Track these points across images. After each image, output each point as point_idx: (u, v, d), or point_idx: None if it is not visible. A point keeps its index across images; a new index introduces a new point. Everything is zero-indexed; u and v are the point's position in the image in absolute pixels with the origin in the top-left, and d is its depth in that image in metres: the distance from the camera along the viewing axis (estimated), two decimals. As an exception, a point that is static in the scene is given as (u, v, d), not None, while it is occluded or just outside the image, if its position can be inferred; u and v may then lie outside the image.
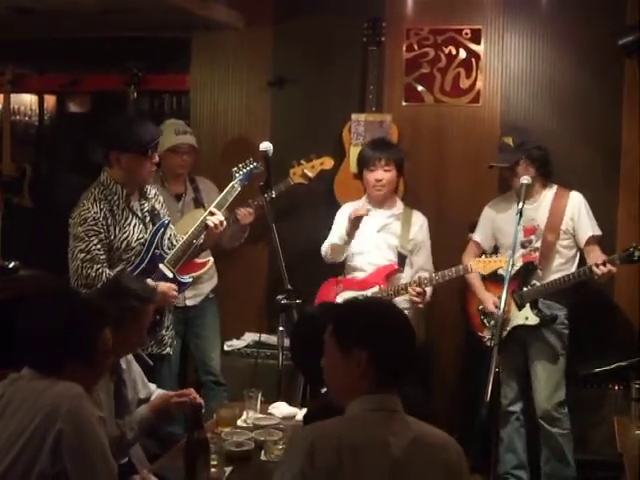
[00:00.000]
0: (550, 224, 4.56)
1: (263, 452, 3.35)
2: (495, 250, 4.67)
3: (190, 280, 4.40)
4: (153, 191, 4.40)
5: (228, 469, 3.18)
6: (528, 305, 4.49)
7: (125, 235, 4.15)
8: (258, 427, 3.64)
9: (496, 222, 4.75)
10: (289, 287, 3.92)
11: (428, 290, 4.70)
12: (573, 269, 4.53)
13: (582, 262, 4.59)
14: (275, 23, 5.66)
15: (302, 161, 5.01)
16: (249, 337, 5.54)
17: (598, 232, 4.58)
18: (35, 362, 2.75)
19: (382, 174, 4.74)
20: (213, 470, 3.08)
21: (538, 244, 4.58)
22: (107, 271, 4.05)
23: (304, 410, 3.57)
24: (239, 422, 3.70)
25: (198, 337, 5.14)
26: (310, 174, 5.00)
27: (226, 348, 5.47)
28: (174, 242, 4.35)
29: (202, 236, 4.36)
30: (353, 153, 5.32)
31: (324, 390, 3.09)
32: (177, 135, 4.99)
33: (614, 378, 4.68)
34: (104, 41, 5.92)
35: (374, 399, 2.40)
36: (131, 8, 5.04)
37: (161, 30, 5.75)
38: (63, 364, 2.70)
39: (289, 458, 2.36)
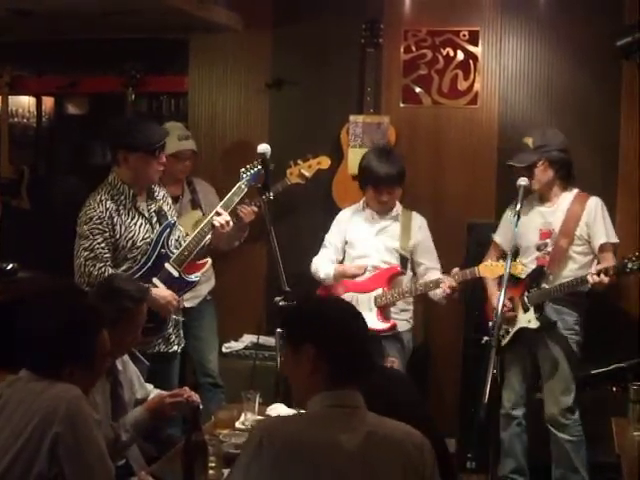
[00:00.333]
0: (564, 228, 4.49)
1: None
2: (516, 252, 4.61)
3: (196, 279, 4.42)
4: (162, 193, 4.44)
5: (226, 471, 3.17)
6: (532, 308, 4.48)
7: (131, 234, 4.18)
8: (256, 429, 3.63)
9: (513, 224, 4.69)
10: (287, 289, 3.92)
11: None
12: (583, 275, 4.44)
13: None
14: (273, 25, 5.67)
15: (299, 161, 5.00)
16: (247, 339, 5.54)
17: (614, 239, 4.48)
18: (33, 364, 2.74)
19: (387, 196, 4.73)
20: (211, 472, 3.07)
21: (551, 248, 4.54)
22: (110, 270, 4.08)
23: (302, 412, 3.56)
24: (237, 424, 3.69)
25: (196, 339, 5.13)
26: (307, 174, 5.00)
27: (224, 350, 5.47)
28: (182, 243, 4.38)
29: (208, 236, 4.38)
30: (351, 154, 5.32)
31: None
32: (180, 141, 5.00)
33: (612, 380, 4.68)
34: (102, 43, 5.92)
35: (332, 395, 2.41)
36: (130, 10, 5.04)
37: (160, 32, 5.76)
38: (61, 366, 2.70)
39: (241, 453, 2.40)
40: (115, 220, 4.14)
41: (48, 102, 6.83)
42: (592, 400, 4.60)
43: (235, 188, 4.49)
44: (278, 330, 3.91)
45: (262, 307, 5.37)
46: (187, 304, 4.98)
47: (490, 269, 4.50)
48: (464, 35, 5.38)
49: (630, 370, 4.55)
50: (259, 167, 4.50)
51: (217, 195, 5.27)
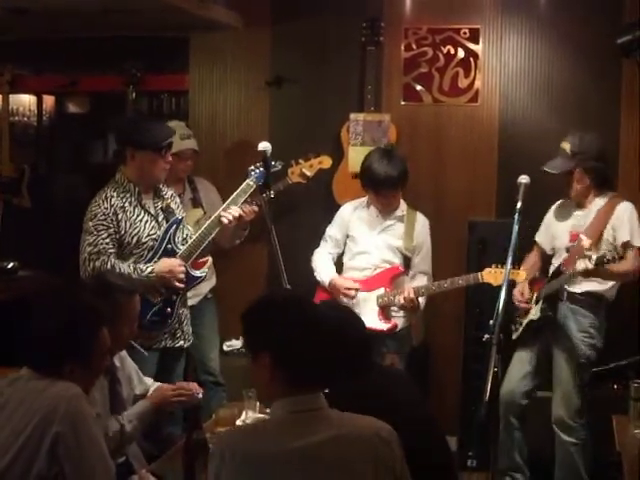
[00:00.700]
0: (589, 229, 4.43)
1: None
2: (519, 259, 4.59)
3: (203, 275, 4.42)
4: (170, 192, 4.46)
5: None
6: (541, 302, 4.49)
7: (136, 231, 4.20)
8: (257, 427, 3.63)
9: (552, 226, 4.69)
10: (288, 287, 3.92)
11: (421, 299, 4.71)
12: (609, 284, 4.45)
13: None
14: (273, 23, 5.67)
15: (300, 160, 5.00)
16: (248, 337, 5.53)
17: (638, 243, 4.40)
18: (34, 362, 2.75)
19: (387, 199, 4.72)
20: (212, 470, 3.08)
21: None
22: (113, 260, 4.11)
23: (264, 419, 3.55)
24: (238, 422, 3.69)
25: (197, 337, 5.12)
26: (308, 173, 5.00)
27: (225, 348, 5.47)
28: (188, 240, 4.38)
29: (215, 232, 4.38)
30: (352, 153, 5.32)
31: (326, 391, 3.10)
32: (182, 140, 5.00)
33: (613, 377, 4.67)
34: (103, 41, 5.92)
35: (292, 401, 2.39)
36: (130, 8, 5.04)
37: (160, 30, 5.75)
38: (62, 365, 2.70)
39: (209, 465, 2.39)
40: (120, 217, 4.16)
41: (49, 101, 6.83)
42: (593, 398, 4.59)
43: (243, 185, 4.46)
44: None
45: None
46: (188, 302, 4.98)
47: (493, 275, 4.49)
48: (465, 33, 5.38)
49: (631, 368, 4.54)
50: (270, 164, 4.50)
51: (218, 193, 5.28)
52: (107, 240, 4.12)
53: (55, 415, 2.56)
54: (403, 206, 4.82)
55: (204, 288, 5.12)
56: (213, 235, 4.38)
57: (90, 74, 6.10)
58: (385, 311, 4.72)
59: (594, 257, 4.06)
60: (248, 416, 3.72)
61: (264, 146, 4.16)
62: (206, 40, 5.79)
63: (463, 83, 5.41)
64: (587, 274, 4.17)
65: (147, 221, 4.25)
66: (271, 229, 3.98)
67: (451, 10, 5.40)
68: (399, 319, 4.77)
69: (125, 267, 4.12)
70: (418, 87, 5.47)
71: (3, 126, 6.23)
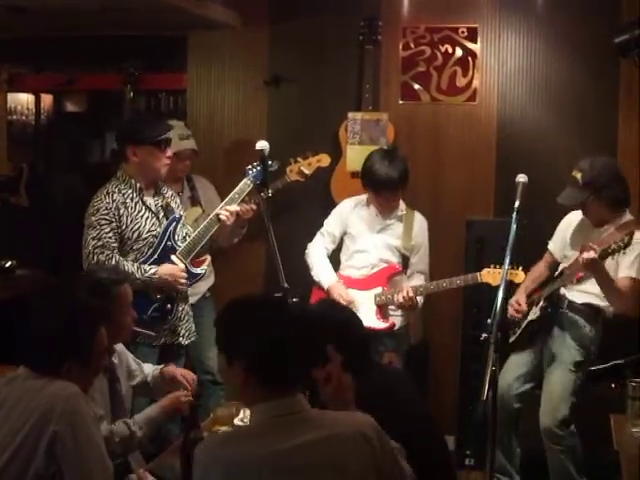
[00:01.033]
0: (597, 243, 4.26)
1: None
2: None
3: (202, 272, 4.48)
4: (170, 192, 4.51)
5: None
6: (542, 301, 4.49)
7: (137, 226, 4.24)
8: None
9: (566, 235, 4.66)
10: (285, 285, 3.92)
11: (419, 298, 4.72)
12: (606, 302, 4.36)
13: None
14: (271, 22, 5.66)
15: (299, 158, 5.00)
16: (246, 336, 5.53)
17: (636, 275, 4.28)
18: (32, 361, 2.74)
19: (387, 200, 4.72)
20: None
21: None
22: (117, 257, 4.16)
23: (245, 425, 3.54)
24: (236, 421, 3.69)
25: (197, 336, 5.14)
26: (306, 171, 4.99)
27: (223, 347, 5.45)
28: (187, 239, 4.42)
29: (213, 229, 4.41)
30: (350, 152, 5.32)
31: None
32: (181, 140, 5.01)
33: (610, 376, 4.68)
34: (101, 40, 5.92)
35: (270, 406, 2.38)
36: (128, 7, 5.04)
37: (158, 29, 5.75)
38: (60, 364, 2.70)
39: (194, 472, 2.38)
40: (121, 212, 4.21)
41: (46, 99, 6.84)
42: (591, 397, 4.59)
43: (241, 184, 4.50)
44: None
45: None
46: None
47: (492, 275, 4.50)
48: (463, 32, 5.38)
49: (628, 367, 4.55)
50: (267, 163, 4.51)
51: (216, 192, 5.28)
52: (110, 234, 4.17)
53: (53, 414, 2.56)
54: (402, 206, 4.82)
55: (202, 287, 5.13)
56: (212, 233, 4.41)
57: (88, 73, 6.10)
58: (383, 310, 4.73)
59: (599, 249, 4.02)
60: (246, 415, 3.72)
61: (262, 145, 4.16)
62: (204, 39, 5.78)
63: (461, 82, 5.41)
64: (588, 267, 4.11)
65: (148, 217, 4.29)
66: (269, 227, 3.98)
67: (449, 9, 5.40)
68: (397, 318, 4.77)
69: (129, 266, 4.16)
70: (416, 86, 5.47)
71: (1, 125, 6.24)
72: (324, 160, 5.06)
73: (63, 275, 4.54)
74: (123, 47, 5.90)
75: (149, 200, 4.33)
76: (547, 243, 4.71)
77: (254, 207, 4.84)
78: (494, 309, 3.54)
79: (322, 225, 4.93)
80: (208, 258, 4.74)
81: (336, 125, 5.44)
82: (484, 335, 3.89)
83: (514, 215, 3.88)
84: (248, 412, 3.69)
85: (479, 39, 5.36)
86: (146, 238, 4.27)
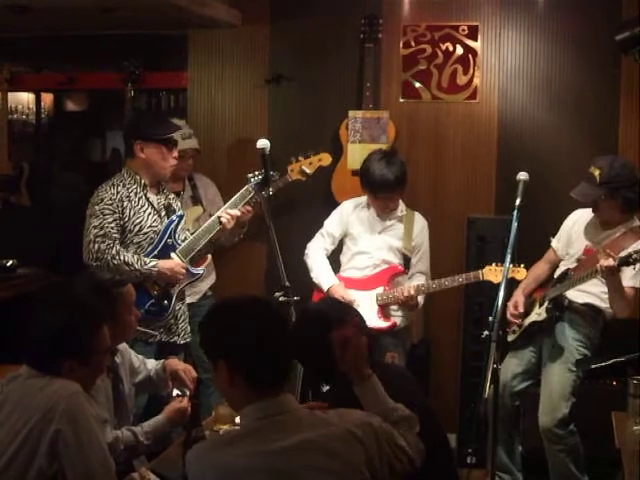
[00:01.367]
0: (606, 247, 4.26)
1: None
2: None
3: (202, 272, 4.50)
4: (172, 194, 4.55)
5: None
6: (546, 303, 4.48)
7: (139, 220, 4.27)
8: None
9: (571, 232, 4.64)
10: (287, 284, 3.92)
11: (420, 297, 4.72)
12: (607, 304, 4.35)
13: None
14: (272, 20, 5.66)
15: (300, 157, 4.99)
16: (247, 334, 5.53)
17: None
18: (34, 360, 2.75)
19: (384, 201, 4.72)
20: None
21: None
22: (118, 247, 4.18)
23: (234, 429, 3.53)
24: (237, 419, 3.68)
25: (196, 334, 5.13)
26: (308, 170, 4.99)
27: (224, 345, 5.45)
28: (187, 239, 4.44)
29: (214, 231, 4.44)
30: (350, 150, 5.32)
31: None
32: (183, 140, 5.01)
33: (612, 374, 4.67)
34: (101, 39, 5.92)
35: (257, 408, 2.38)
36: (129, 6, 5.04)
37: (159, 28, 5.76)
38: (62, 363, 2.70)
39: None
40: (125, 204, 4.24)
41: (47, 98, 6.84)
42: (592, 395, 4.59)
43: (243, 190, 4.52)
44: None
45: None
46: (188, 300, 4.98)
47: (494, 273, 4.49)
48: (463, 30, 5.37)
49: (630, 364, 4.54)
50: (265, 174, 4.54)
51: (217, 190, 5.29)
52: (112, 224, 4.19)
53: (54, 413, 2.56)
54: (402, 207, 4.83)
55: (204, 286, 5.13)
56: (213, 234, 4.43)
57: (89, 72, 6.11)
58: (384, 310, 4.72)
59: (618, 256, 4.00)
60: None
61: (263, 143, 4.16)
62: (205, 38, 5.78)
63: (462, 80, 5.41)
64: (603, 274, 4.10)
65: (150, 213, 4.32)
66: (270, 226, 3.98)
67: (449, 7, 5.40)
68: (398, 317, 4.77)
69: (129, 256, 4.19)
70: (417, 84, 5.47)
71: (2, 124, 6.23)
72: (325, 159, 5.06)
73: (64, 274, 4.54)
74: (124, 46, 5.90)
75: (152, 197, 4.36)
76: (549, 240, 4.71)
77: (250, 209, 4.85)
78: (495, 307, 3.55)
79: (323, 224, 4.93)
80: (209, 257, 4.75)
81: (337, 123, 5.44)
82: (485, 333, 3.90)
83: (515, 213, 3.88)
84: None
85: (480, 37, 5.36)
86: (147, 233, 4.28)
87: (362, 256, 4.80)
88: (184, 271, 4.34)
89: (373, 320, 4.59)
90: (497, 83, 5.38)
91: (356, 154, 5.15)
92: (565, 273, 4.47)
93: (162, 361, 3.73)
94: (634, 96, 5.07)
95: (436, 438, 3.06)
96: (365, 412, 2.55)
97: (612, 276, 4.11)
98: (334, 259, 4.93)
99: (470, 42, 5.37)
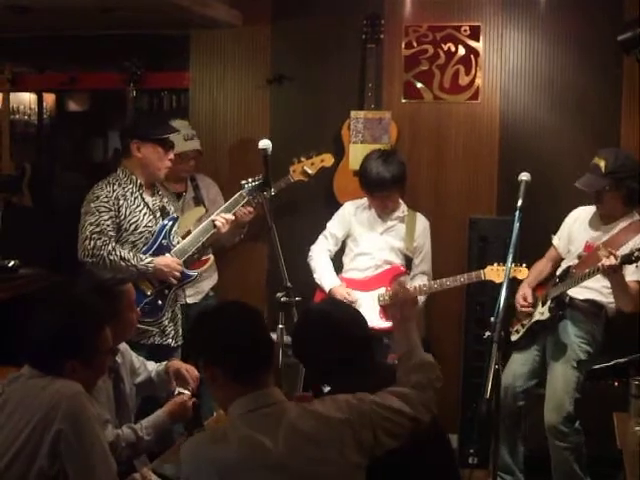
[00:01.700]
0: (607, 243, 4.33)
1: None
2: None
3: (195, 274, 4.50)
4: (165, 198, 4.57)
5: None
6: (549, 301, 4.48)
7: (135, 219, 4.29)
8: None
9: (572, 229, 4.65)
10: (288, 285, 3.92)
11: (421, 297, 4.73)
12: (611, 297, 4.36)
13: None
14: (273, 20, 5.66)
15: (302, 158, 5.00)
16: (249, 335, 5.53)
17: None
18: (36, 361, 2.75)
19: (385, 202, 4.73)
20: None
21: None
22: (114, 244, 4.20)
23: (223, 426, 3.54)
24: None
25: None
26: (310, 171, 5.00)
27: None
28: (179, 241, 4.46)
29: (208, 234, 4.48)
30: (352, 150, 5.32)
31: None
32: (185, 141, 5.02)
33: (613, 374, 4.67)
34: (103, 39, 5.92)
35: (244, 401, 2.43)
36: (130, 6, 5.04)
37: (160, 28, 5.76)
38: (64, 363, 2.70)
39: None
40: (121, 202, 4.26)
41: (49, 99, 6.84)
42: (593, 395, 4.59)
43: (236, 196, 4.59)
44: (280, 326, 3.91)
45: (263, 303, 5.37)
46: (190, 300, 5.00)
47: (496, 273, 4.50)
48: (465, 30, 5.37)
49: (631, 365, 4.54)
50: (259, 182, 4.55)
51: (219, 191, 5.29)
52: (108, 222, 4.21)
53: (56, 413, 2.57)
54: (403, 207, 4.84)
55: (206, 286, 5.13)
56: (207, 237, 4.48)
57: (91, 72, 6.11)
58: (386, 310, 4.72)
59: (620, 254, 4.01)
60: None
61: (264, 144, 4.16)
62: (207, 38, 5.78)
63: (464, 80, 5.40)
64: (605, 273, 4.11)
65: (146, 213, 4.33)
66: (272, 227, 3.99)
67: (451, 8, 5.39)
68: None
69: (125, 253, 4.20)
70: (419, 85, 5.46)
71: (4, 124, 6.24)
72: (327, 160, 5.06)
73: (66, 274, 4.54)
74: (125, 46, 5.90)
75: (147, 198, 4.38)
76: (551, 239, 4.71)
77: (251, 210, 4.86)
78: (497, 307, 3.55)
79: (325, 224, 4.94)
80: (211, 258, 4.75)
81: (339, 124, 5.43)
82: (487, 333, 3.90)
83: (517, 213, 3.88)
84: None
85: (482, 37, 5.35)
86: (142, 232, 4.30)
87: (364, 257, 4.81)
88: (180, 268, 4.35)
89: (375, 320, 4.60)
90: (499, 83, 5.37)
91: (358, 154, 5.15)
92: (567, 271, 4.48)
93: (164, 363, 3.72)
94: (636, 97, 5.07)
95: (437, 439, 3.06)
96: (350, 394, 2.58)
97: (615, 275, 4.11)
98: (336, 261, 4.93)
99: (472, 42, 5.37)
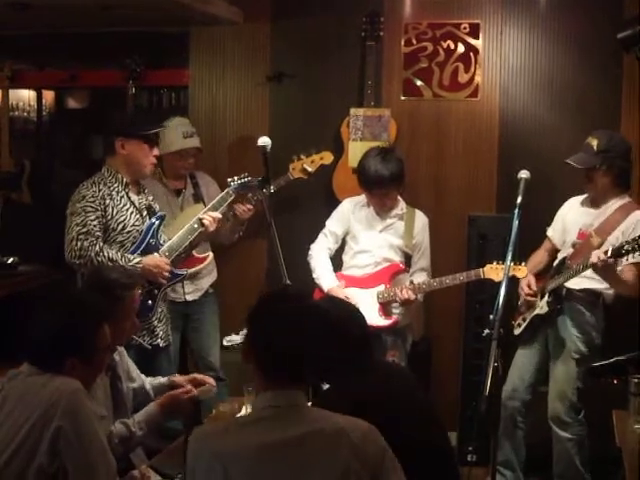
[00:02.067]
0: (598, 229, 4.36)
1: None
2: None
3: (184, 273, 4.46)
4: (151, 197, 4.51)
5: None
6: (547, 295, 4.49)
7: (122, 218, 4.24)
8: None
9: (565, 219, 4.66)
10: (288, 282, 3.92)
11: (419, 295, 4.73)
12: (605, 284, 4.35)
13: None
14: (273, 18, 5.66)
15: (302, 156, 5.01)
16: (248, 332, 5.53)
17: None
18: (35, 358, 2.75)
19: (383, 199, 4.73)
20: (212, 465, 3.07)
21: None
22: (101, 244, 4.14)
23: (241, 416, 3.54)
24: (238, 416, 3.69)
25: (197, 332, 5.15)
26: (310, 169, 5.00)
27: (225, 343, 5.47)
28: (166, 240, 4.42)
29: (196, 233, 4.43)
30: (352, 148, 5.32)
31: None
32: (185, 138, 5.01)
33: (612, 372, 4.67)
34: (103, 36, 5.91)
35: (267, 396, 2.44)
36: (130, 3, 5.04)
37: (160, 25, 5.75)
38: (63, 360, 2.70)
39: (186, 463, 2.43)
40: (107, 202, 4.21)
41: (49, 96, 6.83)
42: (593, 393, 4.59)
43: (223, 193, 4.61)
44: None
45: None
46: (189, 297, 5.00)
47: (495, 271, 4.49)
48: (465, 28, 5.37)
49: (631, 363, 4.54)
50: (246, 180, 4.59)
51: (219, 188, 5.29)
52: (95, 222, 4.16)
53: (56, 410, 2.57)
54: (402, 204, 4.83)
55: (205, 283, 5.13)
56: (194, 236, 4.43)
57: (90, 69, 6.10)
58: (386, 307, 4.73)
59: (611, 248, 4.01)
60: (248, 411, 3.72)
61: (264, 141, 4.16)
62: (206, 35, 5.78)
63: (463, 78, 5.40)
64: (596, 269, 4.12)
65: (133, 212, 4.29)
66: (271, 224, 3.99)
67: (451, 5, 5.39)
68: (399, 315, 4.77)
69: (113, 253, 4.14)
70: (418, 82, 5.46)
71: (3, 121, 6.24)
72: (327, 157, 5.07)
73: (65, 271, 4.53)
74: (125, 43, 5.89)
75: (134, 197, 4.33)
76: (545, 230, 4.71)
77: (251, 207, 4.86)
78: (496, 305, 3.55)
79: (324, 221, 4.94)
80: (210, 255, 4.75)
81: (338, 121, 5.43)
82: (486, 331, 3.90)
83: (516, 211, 3.88)
84: (250, 408, 3.71)
85: (481, 35, 5.36)
86: (130, 232, 4.26)
87: (363, 254, 4.81)
88: (169, 268, 4.29)
89: (374, 318, 4.60)
90: (498, 81, 5.38)
91: (357, 152, 5.15)
92: (562, 262, 4.49)
93: (161, 378, 3.73)
94: (636, 95, 5.07)
95: (437, 436, 3.07)
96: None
97: (606, 269, 4.11)
98: (336, 258, 4.93)
99: (471, 40, 5.37)
